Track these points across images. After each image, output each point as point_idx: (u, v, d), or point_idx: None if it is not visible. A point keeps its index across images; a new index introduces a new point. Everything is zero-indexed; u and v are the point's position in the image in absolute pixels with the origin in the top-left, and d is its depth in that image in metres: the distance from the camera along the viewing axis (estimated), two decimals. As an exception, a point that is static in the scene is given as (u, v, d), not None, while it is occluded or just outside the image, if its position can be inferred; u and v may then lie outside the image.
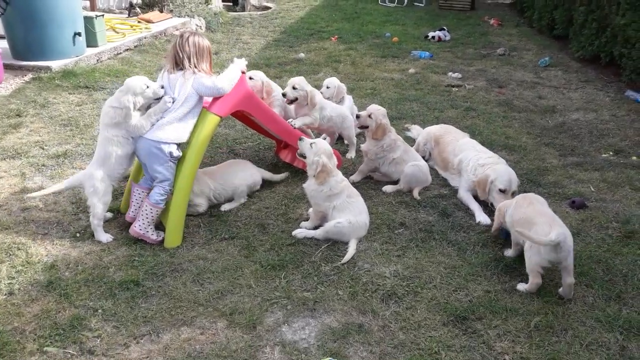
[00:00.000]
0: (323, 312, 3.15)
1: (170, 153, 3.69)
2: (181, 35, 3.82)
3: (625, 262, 3.59)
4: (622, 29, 7.11)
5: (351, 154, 5.19)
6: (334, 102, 5.24)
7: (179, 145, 3.75)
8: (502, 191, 4.08)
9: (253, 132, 5.44)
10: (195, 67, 3.76)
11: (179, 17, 10.21)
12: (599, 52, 7.99)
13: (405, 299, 3.27)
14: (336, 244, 3.77)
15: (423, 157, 5.00)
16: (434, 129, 5.11)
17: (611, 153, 5.31)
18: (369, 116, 4.56)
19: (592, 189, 4.57)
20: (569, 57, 8.85)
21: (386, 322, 3.08)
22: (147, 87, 3.69)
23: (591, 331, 3.01)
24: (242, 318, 3.09)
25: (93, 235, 3.77)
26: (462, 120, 6.07)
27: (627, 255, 3.66)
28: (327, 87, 5.25)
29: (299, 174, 4.65)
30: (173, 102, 3.73)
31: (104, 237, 3.77)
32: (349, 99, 5.58)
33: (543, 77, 7.94)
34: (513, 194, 4.05)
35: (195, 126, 3.79)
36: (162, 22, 9.65)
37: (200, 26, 10.22)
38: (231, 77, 3.88)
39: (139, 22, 9.45)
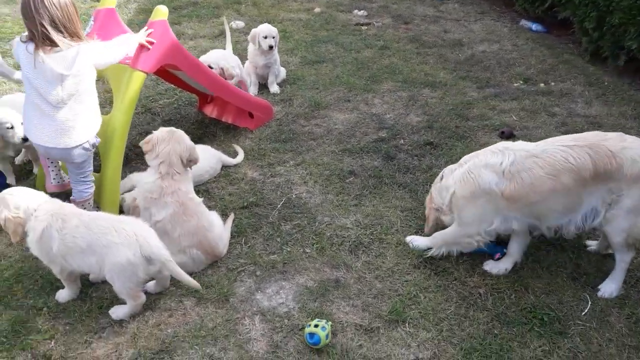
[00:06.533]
0: (295, 273, 3.04)
1: (93, 145, 3.12)
2: None
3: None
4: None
5: (274, 89, 5.19)
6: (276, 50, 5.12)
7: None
8: None
9: (168, 86, 4.98)
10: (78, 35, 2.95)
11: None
12: (491, -18, 8.25)
13: (372, 247, 3.24)
14: (291, 201, 3.62)
15: None
16: None
17: (521, 82, 5.59)
18: None
19: (515, 118, 4.80)
20: (462, -11, 9.05)
21: (360, 274, 3.04)
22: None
23: (547, 255, 3.21)
24: (211, 292, 2.88)
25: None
26: (380, 59, 6.01)
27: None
28: (273, 37, 5.03)
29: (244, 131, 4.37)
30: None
31: None
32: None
33: (443, 10, 8.06)
34: None
35: (120, 87, 3.33)
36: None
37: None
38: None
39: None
